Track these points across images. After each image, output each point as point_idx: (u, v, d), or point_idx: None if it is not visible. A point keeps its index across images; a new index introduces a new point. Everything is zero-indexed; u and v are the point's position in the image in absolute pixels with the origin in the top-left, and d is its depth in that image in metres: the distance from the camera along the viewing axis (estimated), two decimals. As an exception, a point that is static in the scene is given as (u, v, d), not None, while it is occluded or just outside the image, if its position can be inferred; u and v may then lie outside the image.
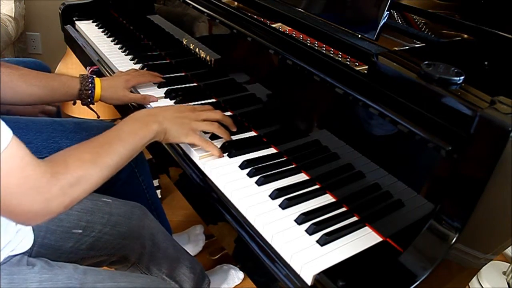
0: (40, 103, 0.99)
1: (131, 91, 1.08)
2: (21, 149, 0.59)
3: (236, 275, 1.41)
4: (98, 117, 1.20)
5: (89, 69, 1.28)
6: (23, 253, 0.77)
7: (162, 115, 0.81)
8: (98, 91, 1.02)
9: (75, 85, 1.01)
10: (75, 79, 1.02)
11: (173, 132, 0.81)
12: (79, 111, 1.66)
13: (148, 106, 1.05)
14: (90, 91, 1.01)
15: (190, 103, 1.04)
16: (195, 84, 1.16)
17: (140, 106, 1.07)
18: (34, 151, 0.97)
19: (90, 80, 1.02)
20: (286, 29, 0.93)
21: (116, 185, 1.09)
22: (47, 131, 1.03)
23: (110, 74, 1.23)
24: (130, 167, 1.13)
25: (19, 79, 0.95)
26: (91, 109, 1.11)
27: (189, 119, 0.84)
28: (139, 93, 1.08)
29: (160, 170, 1.62)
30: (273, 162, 0.86)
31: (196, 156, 0.85)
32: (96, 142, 0.71)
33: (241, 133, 0.95)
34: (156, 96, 1.07)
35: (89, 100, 1.02)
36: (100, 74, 1.28)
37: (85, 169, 0.66)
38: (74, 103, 1.09)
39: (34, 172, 0.60)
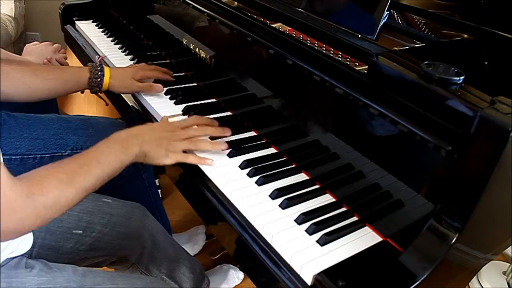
0: (54, 96, 1.01)
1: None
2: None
3: (236, 275, 1.41)
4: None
5: (99, 57, 1.28)
6: (23, 255, 0.77)
7: (142, 138, 0.80)
8: (107, 79, 1.04)
9: (85, 74, 1.03)
10: (84, 68, 1.04)
11: (152, 154, 0.80)
12: (79, 110, 1.67)
13: (149, 102, 1.04)
14: (99, 79, 1.03)
15: (190, 103, 1.04)
16: (195, 84, 1.16)
17: (140, 105, 1.07)
18: (41, 147, 1.01)
19: (99, 68, 1.04)
20: (286, 29, 0.93)
21: (120, 183, 1.10)
22: (54, 127, 1.04)
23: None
24: (135, 165, 1.13)
25: (32, 74, 0.96)
26: (100, 97, 1.12)
27: (167, 140, 0.82)
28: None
29: (160, 170, 1.62)
30: (273, 162, 0.86)
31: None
32: (74, 163, 0.70)
33: (241, 133, 0.95)
34: (156, 96, 1.07)
35: (98, 88, 1.04)
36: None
37: (61, 189, 0.65)
38: (82, 92, 1.10)
39: (11, 191, 0.59)
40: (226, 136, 0.90)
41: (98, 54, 1.31)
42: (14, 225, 0.61)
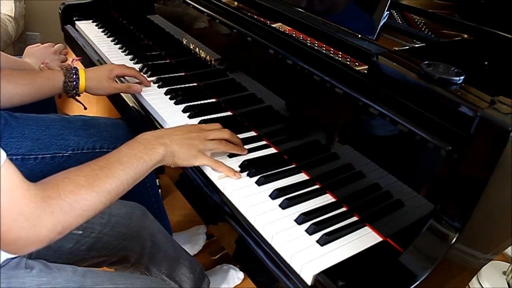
0: (27, 101, 0.99)
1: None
2: (11, 172, 0.56)
3: (236, 275, 1.41)
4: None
5: (73, 60, 1.28)
6: (22, 256, 0.77)
7: (169, 138, 0.77)
8: (82, 82, 1.02)
9: (59, 78, 1.01)
10: (58, 72, 1.02)
11: (181, 155, 0.77)
12: (79, 111, 1.66)
13: (148, 102, 1.04)
14: (74, 82, 1.01)
15: (190, 103, 1.04)
16: (195, 84, 1.16)
17: (139, 104, 1.07)
18: (42, 147, 1.01)
19: (74, 71, 1.02)
20: (286, 29, 0.93)
21: None
22: (55, 127, 1.04)
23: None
24: None
25: (3, 80, 0.94)
26: (77, 101, 1.11)
27: (197, 140, 0.80)
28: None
29: (160, 170, 1.62)
30: (273, 162, 0.86)
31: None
32: (94, 166, 0.67)
33: (241, 133, 0.95)
34: (156, 96, 1.07)
35: (74, 91, 1.02)
36: (85, 66, 1.28)
37: (79, 193, 0.62)
38: (60, 96, 1.09)
39: (23, 196, 0.56)
40: (243, 152, 0.87)
41: (88, 64, 1.31)
42: (28, 232, 0.57)
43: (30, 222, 0.57)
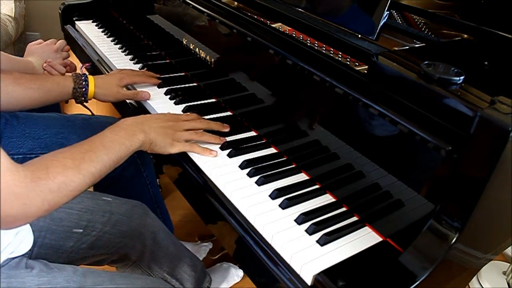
0: (36, 105, 0.99)
1: (129, 89, 1.08)
2: (0, 155, 0.58)
3: (236, 273, 1.41)
4: (92, 114, 1.20)
5: (82, 66, 1.28)
6: (23, 255, 0.77)
7: (148, 125, 0.82)
8: (91, 88, 1.02)
9: (69, 84, 1.01)
10: (68, 78, 1.03)
11: (158, 143, 0.82)
12: (80, 110, 1.66)
13: (149, 102, 1.05)
14: (84, 89, 1.01)
15: (190, 103, 1.04)
16: (195, 84, 1.16)
17: (139, 104, 1.07)
18: (43, 146, 1.01)
19: (83, 78, 1.02)
20: (286, 29, 0.93)
21: (121, 182, 1.10)
22: (56, 126, 1.04)
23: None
24: (136, 164, 1.13)
25: (13, 83, 0.94)
26: (85, 107, 1.11)
27: (173, 130, 0.85)
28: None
29: (160, 170, 1.62)
30: (273, 162, 0.86)
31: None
32: (80, 148, 0.71)
33: (241, 133, 0.95)
34: (156, 96, 1.07)
35: (83, 98, 1.03)
36: (94, 71, 1.28)
37: (67, 175, 0.65)
38: (67, 102, 1.09)
39: (13, 177, 0.59)
40: (225, 131, 0.93)
41: (81, 63, 1.31)
42: (18, 210, 0.60)
43: (20, 201, 0.60)
